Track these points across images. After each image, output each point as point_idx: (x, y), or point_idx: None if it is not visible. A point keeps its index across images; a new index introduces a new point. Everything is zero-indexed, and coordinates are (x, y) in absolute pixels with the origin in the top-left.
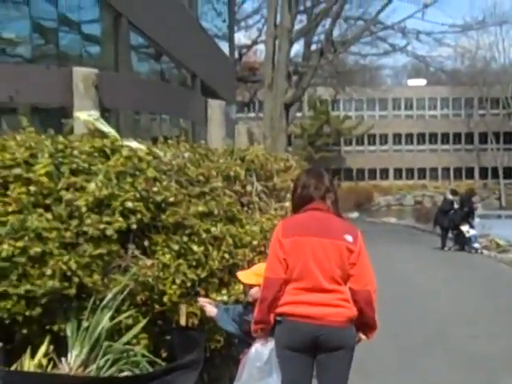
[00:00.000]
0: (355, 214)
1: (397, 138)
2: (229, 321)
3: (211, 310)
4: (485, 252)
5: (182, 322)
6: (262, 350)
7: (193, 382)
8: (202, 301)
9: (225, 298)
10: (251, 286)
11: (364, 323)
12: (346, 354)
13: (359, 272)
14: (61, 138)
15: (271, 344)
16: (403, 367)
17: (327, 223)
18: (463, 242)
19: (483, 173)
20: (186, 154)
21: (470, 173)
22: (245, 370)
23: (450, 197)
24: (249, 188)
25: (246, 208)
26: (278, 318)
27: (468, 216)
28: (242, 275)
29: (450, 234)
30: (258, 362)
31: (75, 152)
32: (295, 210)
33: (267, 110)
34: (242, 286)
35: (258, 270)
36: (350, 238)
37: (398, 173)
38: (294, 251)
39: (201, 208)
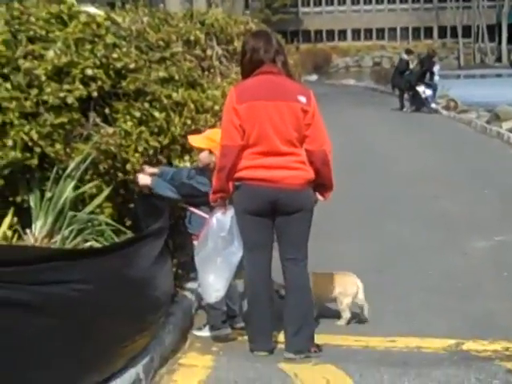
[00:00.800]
0: (314, 77)
1: None
2: (166, 185)
3: (143, 178)
4: (444, 112)
5: (145, 189)
6: (223, 219)
7: (158, 250)
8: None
9: (187, 164)
10: (201, 150)
11: (321, 184)
12: (304, 216)
13: (314, 133)
14: (16, 5)
15: (231, 212)
16: (365, 228)
17: (280, 86)
18: (420, 103)
19: (442, 32)
20: (145, 19)
21: (428, 32)
22: (208, 240)
23: (405, 57)
24: (209, 52)
25: (206, 72)
26: (237, 183)
27: (423, 76)
28: (192, 139)
29: (406, 95)
30: (221, 232)
31: (32, 19)
32: (246, 75)
33: None
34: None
35: (211, 135)
36: (303, 99)
37: (357, 33)
38: (250, 116)
39: (161, 73)
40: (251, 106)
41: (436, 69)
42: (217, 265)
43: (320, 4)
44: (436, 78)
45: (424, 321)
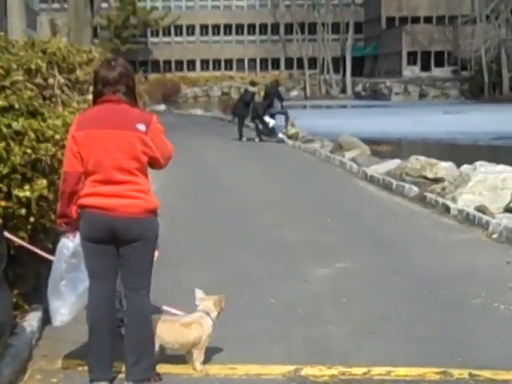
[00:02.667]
0: (162, 107)
1: (204, 29)
2: None
3: None
4: (289, 142)
5: None
6: (68, 244)
7: None
8: None
9: (28, 193)
10: None
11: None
12: (143, 245)
13: (159, 152)
14: None
15: (78, 238)
16: (210, 258)
17: (118, 114)
18: (266, 133)
19: (289, 63)
20: None
21: (275, 63)
22: (55, 264)
23: (250, 88)
24: (51, 81)
25: (48, 101)
26: (79, 210)
27: (269, 107)
28: None
29: (251, 124)
30: (66, 256)
31: None
32: (93, 104)
33: (71, 0)
34: (44, 181)
35: None
36: (142, 128)
37: (206, 64)
38: (87, 144)
39: (1, 102)
40: (88, 134)
41: (293, 94)
42: (60, 289)
43: (169, 34)
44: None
45: (265, 348)
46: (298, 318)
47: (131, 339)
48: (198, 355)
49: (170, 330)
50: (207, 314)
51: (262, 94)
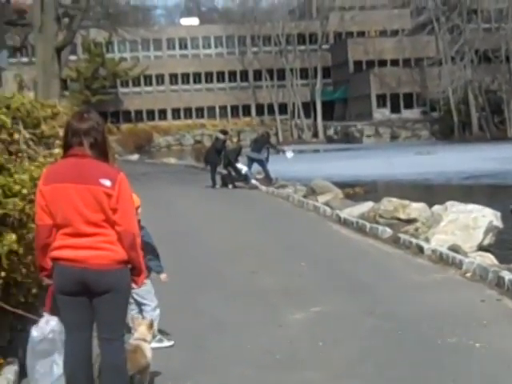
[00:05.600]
0: (135, 157)
1: (173, 78)
2: None
3: None
4: (263, 188)
5: None
6: (34, 333)
7: None
8: None
9: None
10: None
11: (132, 268)
12: (115, 296)
13: (121, 216)
14: None
15: (53, 322)
16: (183, 306)
17: (82, 169)
18: (240, 179)
19: (260, 110)
20: None
21: (246, 110)
22: (28, 350)
23: (221, 136)
24: (16, 136)
25: (14, 157)
26: (52, 263)
27: (239, 154)
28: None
29: (224, 171)
30: (34, 344)
31: None
32: (63, 154)
33: (39, 54)
34: (14, 236)
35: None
36: (107, 183)
37: (177, 113)
38: (54, 198)
39: None
40: (54, 188)
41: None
42: (34, 376)
43: (139, 84)
44: (289, 154)
45: None
46: (275, 363)
47: None
48: (146, 378)
49: None
50: (144, 340)
51: (235, 140)
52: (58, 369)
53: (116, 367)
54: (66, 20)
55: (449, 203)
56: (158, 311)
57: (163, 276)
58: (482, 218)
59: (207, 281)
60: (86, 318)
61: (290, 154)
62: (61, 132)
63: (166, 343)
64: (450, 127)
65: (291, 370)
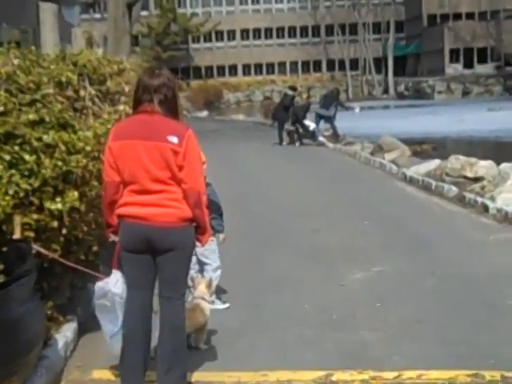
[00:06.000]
0: (204, 113)
1: (245, 33)
2: None
3: None
4: (330, 145)
5: (17, 233)
6: (98, 286)
7: (26, 292)
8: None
9: (59, 206)
10: None
11: (197, 226)
12: (178, 254)
13: (187, 174)
14: None
15: (114, 280)
16: (244, 264)
17: (151, 125)
18: (308, 136)
19: (330, 65)
20: (16, 61)
21: (317, 66)
22: (94, 305)
23: (290, 92)
24: (82, 93)
25: (79, 113)
26: (118, 220)
27: (307, 111)
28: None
29: (291, 128)
30: (101, 300)
31: None
32: (133, 110)
33: (110, 10)
34: (76, 193)
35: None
36: (174, 140)
37: (247, 69)
38: (122, 155)
39: (31, 116)
40: (123, 144)
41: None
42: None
43: (210, 40)
44: (357, 110)
45: (297, 354)
46: (332, 323)
47: (163, 348)
48: (203, 337)
49: None
50: (203, 298)
51: (305, 96)
52: (117, 325)
53: (175, 326)
54: None
55: None
56: (218, 272)
57: (222, 236)
58: None
59: (270, 238)
60: (149, 276)
61: (357, 109)
62: (126, 88)
63: (220, 306)
64: None
65: (347, 330)
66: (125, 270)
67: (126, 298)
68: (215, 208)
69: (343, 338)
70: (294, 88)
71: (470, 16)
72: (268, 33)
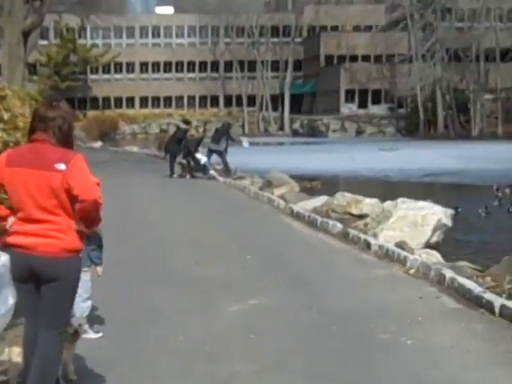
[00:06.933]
0: (98, 144)
1: (144, 66)
2: None
3: None
4: (220, 179)
5: None
6: None
7: None
8: None
9: None
10: None
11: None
12: (62, 284)
13: (78, 188)
14: None
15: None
16: (121, 296)
17: (41, 154)
18: (198, 170)
19: (228, 101)
20: None
21: (215, 101)
22: None
23: (183, 126)
24: None
25: None
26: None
27: (199, 144)
28: None
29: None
30: None
31: None
32: (28, 138)
33: (6, 37)
34: None
35: None
36: (62, 166)
37: (145, 101)
38: (11, 182)
39: None
40: (13, 171)
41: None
42: None
43: (109, 72)
44: (245, 144)
45: None
46: (205, 355)
47: (34, 374)
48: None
49: None
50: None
51: (201, 130)
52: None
53: (48, 356)
54: (38, 2)
55: (400, 200)
56: (88, 303)
57: (99, 269)
58: (432, 215)
59: (151, 271)
60: (35, 305)
61: (246, 144)
62: (6, 115)
63: (93, 335)
64: (415, 124)
65: (220, 363)
66: (18, 299)
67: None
68: (96, 239)
69: (215, 371)
70: (187, 121)
71: (366, 58)
72: (167, 66)
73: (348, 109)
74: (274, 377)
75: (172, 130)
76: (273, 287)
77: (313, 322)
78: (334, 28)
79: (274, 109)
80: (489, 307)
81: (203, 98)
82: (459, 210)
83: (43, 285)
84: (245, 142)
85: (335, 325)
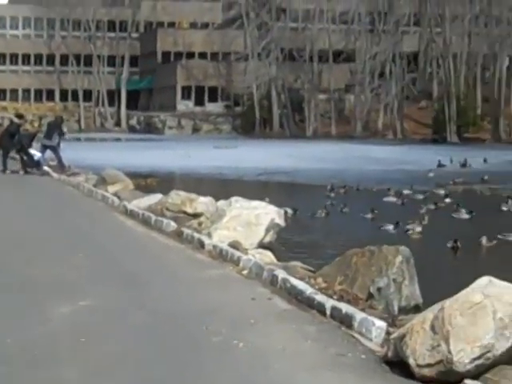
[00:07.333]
0: None
1: None
2: None
3: None
4: (54, 175)
5: None
6: None
7: None
8: None
9: None
10: None
11: None
12: None
13: None
14: None
15: None
16: None
17: None
18: (32, 165)
19: (64, 95)
20: None
21: (50, 95)
22: None
23: (16, 120)
24: None
25: None
26: None
27: (33, 139)
28: None
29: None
30: None
31: None
32: None
33: None
34: None
35: None
36: None
37: None
38: None
39: None
40: None
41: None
42: None
43: None
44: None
45: None
46: (33, 359)
47: None
48: None
49: None
50: None
51: (36, 125)
52: None
53: None
54: None
55: (233, 199)
56: None
57: None
58: (265, 215)
59: None
60: None
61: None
62: None
63: None
64: (251, 123)
65: (46, 368)
66: None
67: None
68: None
69: (41, 376)
70: (20, 116)
71: (202, 55)
72: (1, 58)
73: (184, 106)
74: (106, 381)
75: (6, 123)
76: (104, 287)
77: (144, 324)
78: (171, 24)
79: (111, 104)
80: (320, 309)
81: (38, 92)
82: (298, 211)
83: None
84: (65, 128)
85: (167, 326)
